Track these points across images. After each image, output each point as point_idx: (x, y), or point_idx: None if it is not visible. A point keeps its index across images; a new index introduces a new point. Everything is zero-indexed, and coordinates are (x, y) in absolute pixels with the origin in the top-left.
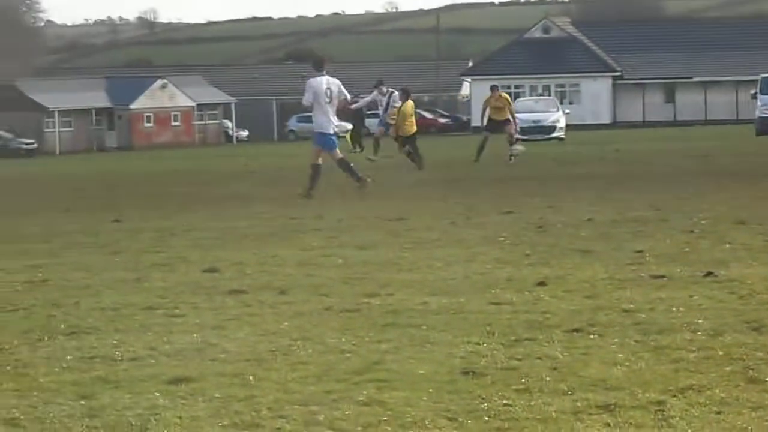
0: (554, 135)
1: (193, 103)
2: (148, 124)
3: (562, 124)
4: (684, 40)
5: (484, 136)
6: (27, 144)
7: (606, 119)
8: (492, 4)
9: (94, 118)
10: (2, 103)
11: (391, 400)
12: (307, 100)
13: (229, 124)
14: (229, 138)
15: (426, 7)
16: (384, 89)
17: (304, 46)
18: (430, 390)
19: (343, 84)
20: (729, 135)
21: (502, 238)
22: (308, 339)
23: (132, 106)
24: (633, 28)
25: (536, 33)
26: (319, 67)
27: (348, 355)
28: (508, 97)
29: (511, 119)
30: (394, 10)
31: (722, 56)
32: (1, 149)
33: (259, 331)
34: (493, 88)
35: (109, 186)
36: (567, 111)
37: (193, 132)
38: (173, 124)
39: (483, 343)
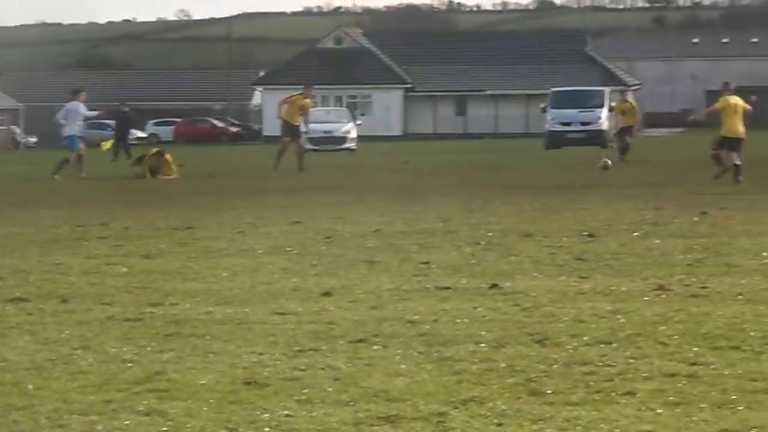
0: (345, 146)
1: None
2: None
3: (353, 135)
4: (476, 54)
5: None
6: None
7: (397, 131)
8: (284, 13)
9: None
10: None
11: (172, 410)
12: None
13: (17, 130)
14: (17, 144)
15: (218, 16)
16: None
17: (95, 52)
18: (212, 400)
19: (136, 91)
20: (519, 148)
21: (289, 248)
22: (89, 348)
23: None
24: (425, 41)
25: (328, 43)
26: None
27: (129, 364)
28: None
29: None
30: (186, 18)
31: (513, 70)
32: None
33: (39, 339)
34: None
35: None
36: (358, 122)
37: None
38: None
39: (266, 354)
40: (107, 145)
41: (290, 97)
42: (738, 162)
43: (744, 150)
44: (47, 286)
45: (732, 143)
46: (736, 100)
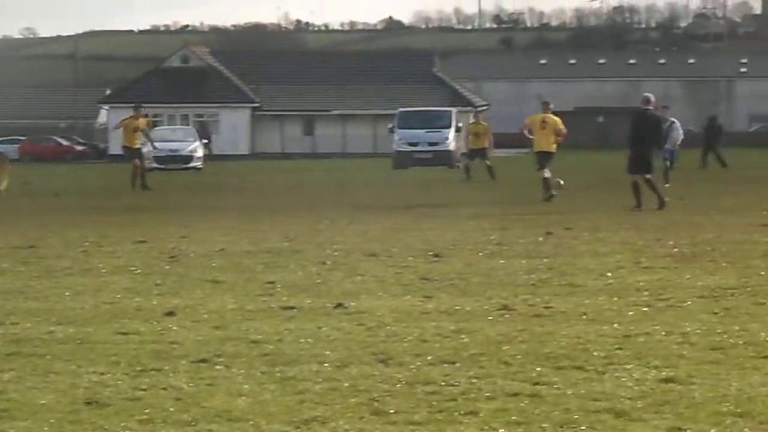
0: (191, 165)
1: None
2: None
3: (199, 153)
4: (323, 73)
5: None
6: None
7: (245, 150)
8: (131, 32)
9: None
10: None
11: (12, 430)
12: None
13: None
14: None
15: (65, 33)
16: None
17: None
18: (52, 420)
19: None
20: (367, 168)
21: (133, 268)
22: None
23: None
24: (273, 60)
25: (175, 62)
26: None
27: None
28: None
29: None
30: (32, 36)
31: (361, 90)
32: None
33: None
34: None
35: None
36: (205, 141)
37: None
38: None
39: (108, 374)
40: None
41: (123, 120)
42: (546, 175)
43: (551, 164)
44: None
45: (540, 158)
46: (544, 116)
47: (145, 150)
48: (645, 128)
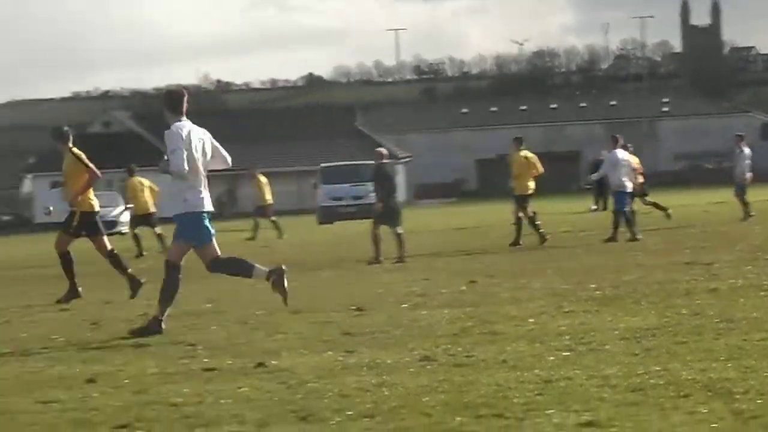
0: (116, 230)
1: None
2: None
3: (124, 218)
4: (246, 132)
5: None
6: None
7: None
8: (53, 99)
9: None
10: None
11: None
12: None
13: None
14: None
15: None
16: None
17: None
18: None
19: None
20: (292, 225)
21: (55, 336)
22: None
23: None
24: (195, 121)
25: (97, 127)
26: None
27: None
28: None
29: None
30: None
31: (285, 146)
32: None
33: None
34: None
35: None
36: (129, 205)
37: None
38: None
39: None
40: None
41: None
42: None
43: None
44: None
45: (525, 200)
46: (526, 155)
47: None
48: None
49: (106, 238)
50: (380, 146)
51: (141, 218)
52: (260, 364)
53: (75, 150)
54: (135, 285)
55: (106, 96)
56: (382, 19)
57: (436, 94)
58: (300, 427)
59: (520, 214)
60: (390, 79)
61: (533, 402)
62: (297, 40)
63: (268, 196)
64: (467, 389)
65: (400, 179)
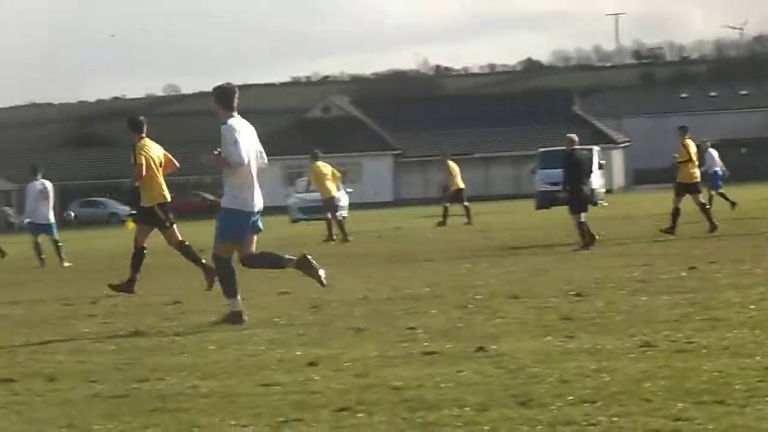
0: (337, 214)
1: None
2: None
3: (344, 203)
4: (464, 117)
5: None
6: None
7: (388, 197)
8: (273, 85)
9: None
10: None
11: None
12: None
13: (10, 211)
14: (10, 225)
15: (206, 89)
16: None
17: (86, 130)
18: None
19: (123, 166)
20: (509, 210)
21: (276, 319)
22: (74, 427)
23: None
24: (413, 106)
25: (316, 113)
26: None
27: None
28: None
29: None
30: (174, 93)
31: (502, 131)
32: None
33: (25, 419)
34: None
35: None
36: (349, 190)
37: None
38: None
39: (250, 426)
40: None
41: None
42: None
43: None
44: (34, 365)
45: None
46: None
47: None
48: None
49: (176, 229)
50: (602, 130)
51: (325, 202)
52: (480, 349)
53: (141, 142)
54: (210, 275)
55: (325, 81)
56: (601, 3)
57: (655, 79)
58: (520, 411)
59: (702, 200)
60: (608, 64)
61: (755, 389)
62: (516, 25)
63: (459, 181)
64: (688, 375)
65: (618, 164)
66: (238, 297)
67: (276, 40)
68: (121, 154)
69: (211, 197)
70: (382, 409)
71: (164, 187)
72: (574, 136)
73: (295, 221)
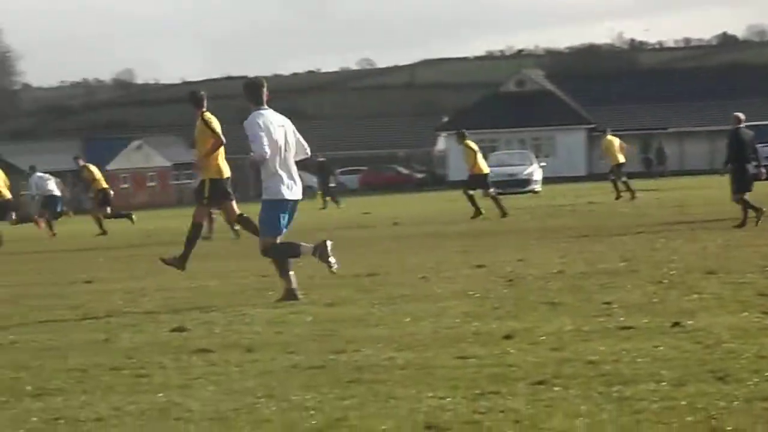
0: (529, 188)
1: (170, 163)
2: (125, 185)
3: (537, 177)
4: (659, 91)
5: None
6: None
7: (581, 171)
8: (467, 58)
9: (70, 180)
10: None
11: None
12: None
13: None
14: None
15: (401, 63)
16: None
17: (281, 104)
18: None
19: (321, 140)
20: (704, 185)
21: (471, 292)
22: (272, 397)
23: (108, 168)
24: (607, 80)
25: (510, 86)
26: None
27: (312, 412)
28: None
29: None
30: (369, 67)
31: (698, 106)
32: None
33: (223, 389)
34: None
35: (81, 249)
36: (542, 164)
37: (171, 192)
38: (149, 184)
39: (447, 398)
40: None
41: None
42: None
43: None
44: (232, 336)
45: None
46: None
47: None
48: None
49: (234, 204)
50: None
51: (475, 179)
52: (676, 324)
53: (206, 115)
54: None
55: (519, 55)
56: None
57: None
58: (717, 387)
59: None
60: None
61: None
62: None
63: (620, 156)
64: None
65: None
66: (292, 274)
67: (470, 13)
68: (312, 128)
69: (406, 171)
70: (578, 383)
71: (222, 163)
72: (741, 115)
73: (484, 195)
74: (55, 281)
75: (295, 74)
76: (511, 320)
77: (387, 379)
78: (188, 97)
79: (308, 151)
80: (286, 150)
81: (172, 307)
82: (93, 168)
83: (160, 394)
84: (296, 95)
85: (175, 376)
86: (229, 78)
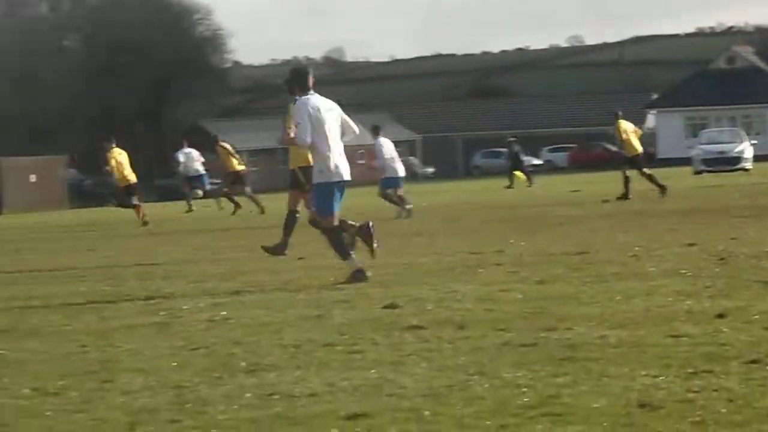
0: (739, 166)
1: None
2: None
3: (747, 155)
4: None
5: None
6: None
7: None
8: (677, 35)
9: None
10: (189, 143)
11: None
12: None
13: (415, 161)
14: (414, 175)
15: (610, 40)
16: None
17: (489, 82)
18: (605, 423)
19: (529, 118)
20: None
21: (683, 271)
22: (484, 374)
23: None
24: None
25: (720, 63)
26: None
27: (524, 389)
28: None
29: None
30: (578, 44)
31: None
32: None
33: (436, 366)
34: None
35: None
36: (753, 142)
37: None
38: (358, 162)
39: (660, 376)
40: (520, 175)
41: None
42: None
43: None
44: (443, 313)
45: None
46: None
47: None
48: None
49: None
50: None
51: (631, 159)
52: None
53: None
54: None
55: (729, 32)
56: None
57: None
58: None
59: None
60: None
61: None
62: None
63: None
64: None
65: None
66: (353, 254)
67: None
68: (521, 104)
69: (613, 147)
70: None
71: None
72: None
73: (698, 173)
74: (268, 257)
75: (503, 51)
76: (724, 299)
77: (599, 357)
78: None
79: (356, 130)
80: (335, 133)
81: (383, 284)
82: (227, 146)
83: (373, 371)
84: (504, 72)
85: (387, 353)
86: (438, 56)
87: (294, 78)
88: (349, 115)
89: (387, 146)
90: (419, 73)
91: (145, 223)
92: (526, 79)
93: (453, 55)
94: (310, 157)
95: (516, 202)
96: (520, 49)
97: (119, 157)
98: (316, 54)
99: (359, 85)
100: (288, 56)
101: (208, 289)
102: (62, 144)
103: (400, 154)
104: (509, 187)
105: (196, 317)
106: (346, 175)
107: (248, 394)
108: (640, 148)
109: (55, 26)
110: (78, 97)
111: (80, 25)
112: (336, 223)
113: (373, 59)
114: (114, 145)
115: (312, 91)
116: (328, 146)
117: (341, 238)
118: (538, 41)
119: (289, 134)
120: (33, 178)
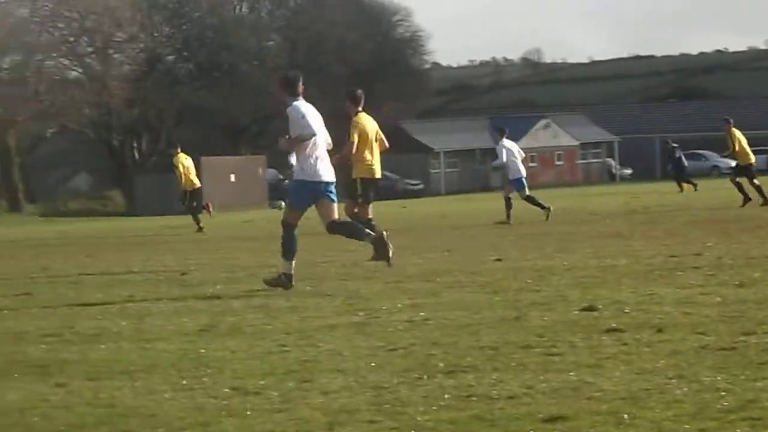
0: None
1: (577, 143)
2: (532, 164)
3: None
4: None
5: None
6: (413, 185)
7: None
8: None
9: (478, 158)
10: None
11: None
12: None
13: (613, 162)
14: (612, 176)
15: None
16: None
17: (687, 83)
18: None
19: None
20: None
21: None
22: (683, 377)
23: None
24: None
25: None
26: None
27: (723, 393)
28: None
29: None
30: None
31: None
32: (388, 190)
33: (634, 369)
34: None
35: (488, 225)
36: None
37: (577, 171)
38: (557, 163)
39: None
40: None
41: None
42: None
43: None
44: (642, 316)
45: None
46: None
47: None
48: None
49: (371, 207)
50: None
51: (744, 168)
52: None
53: (356, 117)
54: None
55: None
56: None
57: None
58: None
59: None
60: None
61: None
62: None
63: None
64: None
65: None
66: (293, 262)
67: None
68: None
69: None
70: None
71: (375, 163)
72: None
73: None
74: (465, 259)
75: (702, 53)
76: None
77: None
78: (347, 94)
79: (330, 142)
80: (320, 137)
81: (581, 286)
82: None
83: (572, 373)
84: (703, 74)
85: (585, 355)
86: (637, 57)
87: (285, 83)
88: (547, 117)
89: (511, 148)
90: (617, 74)
91: (200, 229)
92: (723, 81)
93: (652, 57)
94: (376, 169)
95: (714, 204)
96: (718, 51)
97: (186, 161)
98: (514, 55)
99: (557, 86)
100: (486, 57)
101: (407, 289)
102: (261, 144)
103: (598, 156)
104: (682, 191)
105: (395, 317)
106: (326, 177)
107: (447, 396)
108: (753, 157)
109: (255, 26)
110: (275, 97)
111: (280, 26)
112: (296, 222)
113: (571, 60)
114: (179, 151)
115: (301, 97)
116: (316, 148)
117: (293, 238)
118: (736, 43)
119: (350, 147)
120: (233, 177)
